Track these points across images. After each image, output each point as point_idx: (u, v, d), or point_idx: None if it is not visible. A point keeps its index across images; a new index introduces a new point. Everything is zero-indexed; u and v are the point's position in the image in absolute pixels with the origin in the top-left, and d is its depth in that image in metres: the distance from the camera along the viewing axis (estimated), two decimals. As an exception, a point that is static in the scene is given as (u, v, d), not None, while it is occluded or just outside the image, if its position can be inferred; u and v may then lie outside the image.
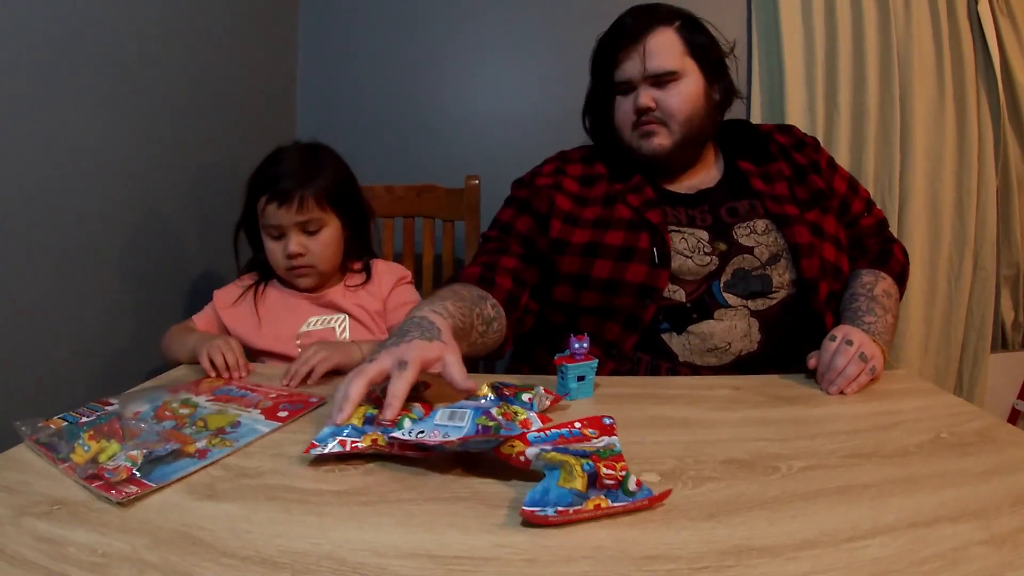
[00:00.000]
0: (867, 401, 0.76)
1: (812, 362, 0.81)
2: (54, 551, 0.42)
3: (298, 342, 1.00)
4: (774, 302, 0.91)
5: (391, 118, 1.66)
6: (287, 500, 0.50)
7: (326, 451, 0.56)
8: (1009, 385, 1.72)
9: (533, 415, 0.61)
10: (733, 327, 0.89)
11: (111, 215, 1.05)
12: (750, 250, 0.93)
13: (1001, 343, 1.73)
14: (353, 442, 0.56)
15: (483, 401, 0.63)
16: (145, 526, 0.46)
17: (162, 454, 0.56)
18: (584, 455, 0.50)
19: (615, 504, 0.47)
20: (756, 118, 1.60)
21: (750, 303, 0.90)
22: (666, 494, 0.49)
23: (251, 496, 0.51)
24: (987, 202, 1.61)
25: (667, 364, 0.89)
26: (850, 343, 0.78)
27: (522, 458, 0.51)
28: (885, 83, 1.56)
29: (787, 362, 0.87)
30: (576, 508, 0.46)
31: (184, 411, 0.68)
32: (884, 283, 0.96)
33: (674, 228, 0.95)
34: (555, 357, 0.76)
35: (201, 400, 0.73)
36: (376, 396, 0.65)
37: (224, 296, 1.05)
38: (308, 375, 0.82)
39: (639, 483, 0.50)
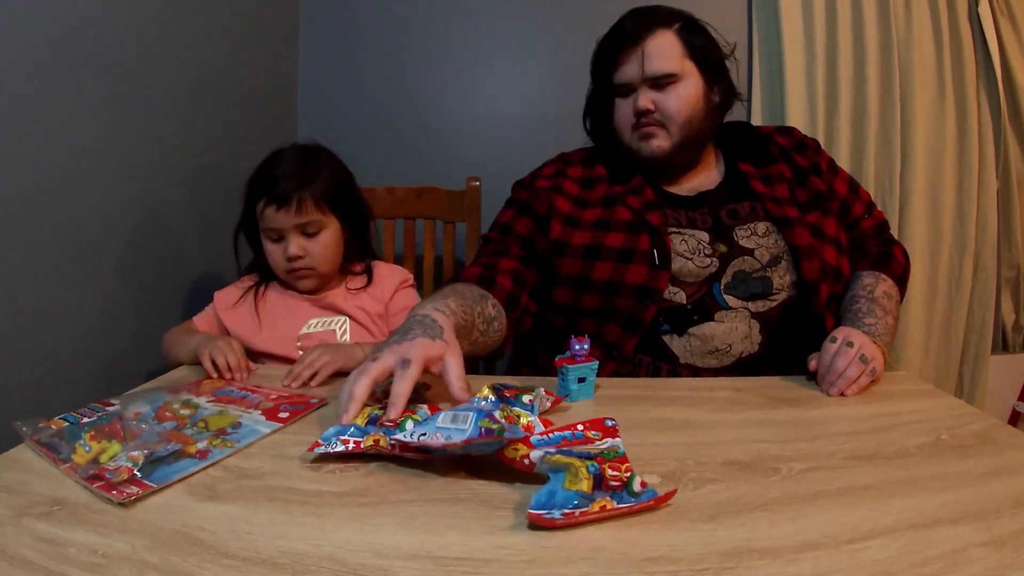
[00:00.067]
0: (867, 403, 0.76)
1: (813, 364, 0.81)
2: (54, 551, 0.42)
3: (299, 344, 1.00)
4: (775, 304, 0.91)
5: (392, 119, 1.66)
6: (288, 501, 0.50)
7: (330, 450, 0.56)
8: (1009, 387, 1.72)
9: (536, 418, 0.61)
10: (734, 329, 0.89)
11: (111, 215, 1.05)
12: (751, 252, 0.93)
13: (1002, 345, 1.73)
14: (356, 442, 0.56)
15: (484, 403, 0.63)
16: (145, 527, 0.46)
17: (163, 455, 0.56)
18: (588, 457, 0.50)
19: (620, 505, 0.47)
20: (757, 120, 1.60)
21: (751, 305, 0.90)
22: (671, 495, 0.49)
23: (252, 497, 0.51)
24: (988, 203, 1.61)
25: (668, 366, 0.89)
26: (851, 345, 0.78)
27: (526, 461, 0.51)
28: (885, 84, 1.56)
29: (788, 364, 0.87)
30: (582, 510, 0.46)
31: (185, 412, 0.68)
32: (885, 285, 0.96)
33: (674, 230, 0.95)
34: (556, 359, 0.75)
35: (202, 401, 0.73)
36: (377, 396, 0.65)
37: (224, 297, 1.05)
38: (311, 377, 0.82)
39: (643, 484, 0.50)
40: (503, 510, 0.49)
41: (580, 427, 0.60)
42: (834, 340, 0.80)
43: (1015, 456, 0.60)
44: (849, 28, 1.56)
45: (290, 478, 0.54)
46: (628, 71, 0.97)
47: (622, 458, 0.53)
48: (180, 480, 0.53)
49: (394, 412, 0.59)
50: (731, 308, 0.90)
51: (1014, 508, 0.49)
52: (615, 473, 0.49)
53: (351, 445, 0.56)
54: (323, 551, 0.43)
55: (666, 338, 0.90)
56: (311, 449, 0.57)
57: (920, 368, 1.64)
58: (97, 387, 1.01)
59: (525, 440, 0.54)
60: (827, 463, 0.58)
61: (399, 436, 0.55)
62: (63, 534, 0.45)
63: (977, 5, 1.55)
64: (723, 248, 0.93)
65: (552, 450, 0.51)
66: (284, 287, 1.06)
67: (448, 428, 0.55)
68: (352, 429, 0.58)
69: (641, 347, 0.90)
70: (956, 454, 0.60)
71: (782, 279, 0.92)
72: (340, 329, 1.03)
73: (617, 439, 0.58)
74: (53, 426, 0.62)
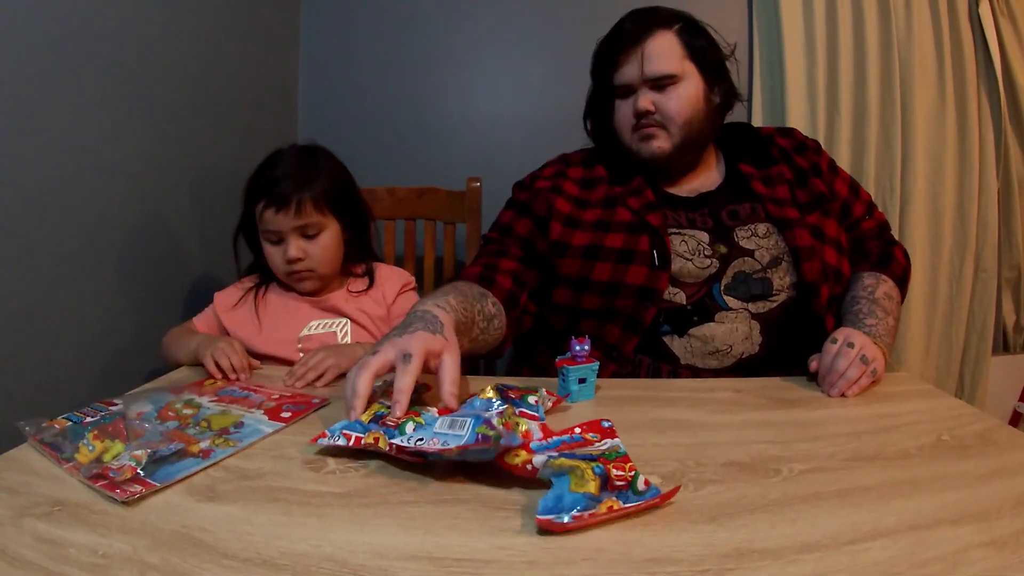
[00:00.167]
0: (868, 403, 0.76)
1: (813, 365, 0.81)
2: (55, 552, 0.42)
3: (299, 346, 1.00)
4: (775, 305, 0.91)
5: (393, 120, 1.66)
6: (288, 502, 0.50)
7: (332, 442, 0.57)
8: (1010, 387, 1.72)
9: (535, 425, 0.60)
10: (734, 330, 0.89)
11: (111, 216, 1.05)
12: (751, 253, 0.93)
13: (1002, 345, 1.73)
14: (357, 437, 0.57)
15: (488, 404, 0.63)
16: (146, 527, 0.46)
17: (166, 454, 0.56)
18: (592, 459, 0.50)
19: (627, 505, 0.47)
20: (757, 121, 1.60)
21: (751, 306, 0.90)
22: (674, 491, 0.49)
23: (252, 498, 0.51)
24: (988, 204, 1.61)
25: (668, 366, 0.89)
26: (851, 345, 0.78)
27: (528, 467, 0.51)
28: (886, 85, 1.56)
29: (788, 365, 0.87)
30: (591, 512, 0.45)
31: (188, 412, 0.68)
32: (885, 286, 0.95)
33: (674, 231, 0.95)
34: (556, 359, 0.75)
35: (204, 401, 0.73)
36: (377, 396, 0.65)
37: (225, 298, 1.05)
38: (316, 379, 0.82)
39: (647, 483, 0.50)
40: (504, 511, 0.49)
41: (578, 430, 0.60)
42: (835, 341, 0.80)
43: (1016, 457, 0.60)
44: (850, 29, 1.56)
45: (290, 479, 0.54)
46: (628, 72, 0.97)
47: (624, 458, 0.53)
48: (183, 479, 0.53)
49: (399, 410, 0.59)
50: (731, 309, 0.90)
51: (1015, 509, 0.49)
52: (620, 473, 0.49)
53: (352, 440, 0.57)
54: (323, 552, 0.43)
55: (666, 339, 0.90)
56: (315, 440, 0.58)
57: (921, 369, 1.64)
58: (97, 387, 1.01)
59: (525, 446, 0.53)
60: (828, 464, 0.58)
61: (397, 439, 0.55)
62: (64, 535, 0.45)
63: (978, 6, 1.55)
64: (723, 249, 0.93)
65: (555, 454, 0.51)
66: (285, 288, 1.06)
67: (445, 433, 0.55)
68: (357, 425, 0.58)
69: (641, 348, 0.90)
70: (957, 455, 0.60)
71: (782, 280, 0.92)
72: (341, 331, 1.03)
73: (616, 439, 0.58)
74: (56, 425, 0.62)
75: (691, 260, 0.92)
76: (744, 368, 0.89)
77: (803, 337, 0.90)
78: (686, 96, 0.96)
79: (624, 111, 1.00)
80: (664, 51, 0.96)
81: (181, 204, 1.24)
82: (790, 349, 0.88)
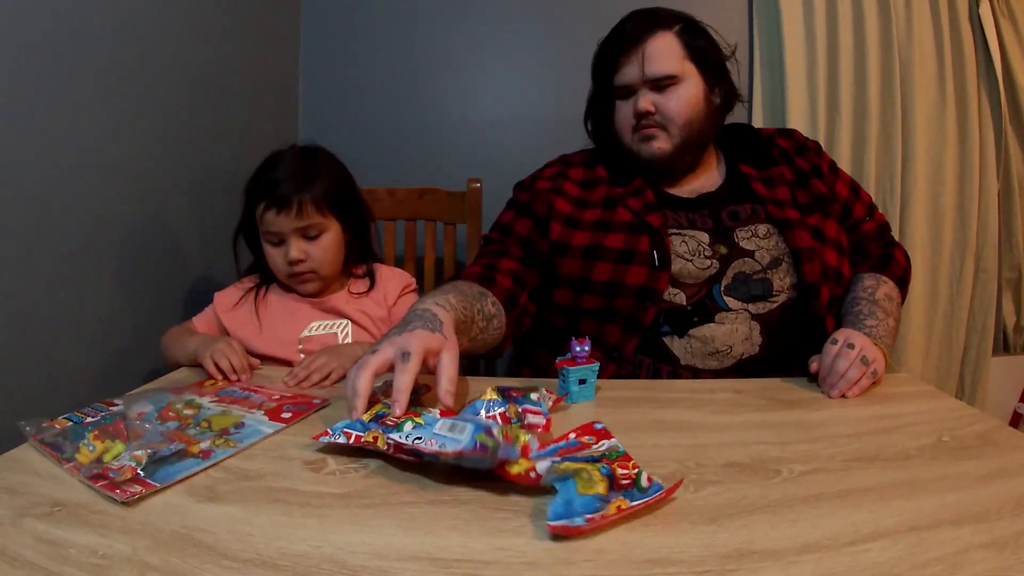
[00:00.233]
0: (868, 404, 0.76)
1: (814, 366, 0.81)
2: (55, 552, 0.42)
3: (300, 347, 1.00)
4: (775, 306, 0.91)
5: (393, 120, 1.66)
6: (288, 502, 0.50)
7: (333, 440, 0.58)
8: (1011, 388, 1.72)
9: (533, 439, 0.60)
10: (734, 331, 0.89)
11: (111, 216, 1.05)
12: (751, 254, 0.93)
13: (1003, 346, 1.73)
14: (357, 435, 0.57)
15: (494, 405, 0.63)
16: (146, 528, 0.46)
17: (166, 454, 0.56)
18: (595, 460, 0.50)
19: (634, 503, 0.47)
20: (757, 122, 1.60)
21: (751, 307, 0.90)
22: (677, 485, 0.50)
23: (252, 498, 0.51)
24: (988, 204, 1.61)
25: (668, 367, 0.89)
26: (852, 346, 0.78)
27: (532, 474, 0.50)
28: (886, 86, 1.56)
29: (788, 366, 0.87)
30: (602, 513, 0.45)
31: (188, 412, 0.68)
32: (886, 287, 0.95)
33: (674, 231, 0.95)
34: (556, 360, 0.75)
35: (205, 401, 0.73)
36: (377, 396, 0.65)
37: (225, 298, 1.05)
38: (320, 381, 0.82)
39: (650, 479, 0.50)
40: (504, 512, 0.49)
41: (572, 435, 0.60)
42: (835, 342, 0.80)
43: (1016, 458, 0.60)
44: (850, 29, 1.56)
45: (290, 479, 0.54)
46: (628, 73, 0.97)
47: (625, 456, 0.53)
48: (183, 480, 0.53)
49: (398, 409, 0.59)
50: (731, 310, 0.90)
51: (1015, 510, 0.49)
52: (624, 471, 0.49)
53: (352, 438, 0.57)
54: (323, 552, 0.43)
55: (666, 339, 0.90)
56: (316, 437, 0.58)
57: (921, 370, 1.64)
58: (97, 387, 1.01)
59: (524, 455, 0.53)
60: (828, 465, 0.58)
61: (395, 436, 0.55)
62: (64, 535, 0.45)
63: (978, 6, 1.55)
64: (723, 250, 0.93)
65: (557, 459, 0.51)
66: (285, 289, 1.06)
67: (444, 436, 0.54)
68: (358, 424, 0.59)
69: (641, 348, 0.90)
70: (957, 456, 0.60)
71: (782, 281, 0.92)
72: (342, 332, 1.03)
73: (613, 440, 0.58)
74: (57, 426, 0.62)
75: (691, 261, 0.92)
76: (744, 369, 0.89)
77: (803, 338, 0.90)
78: (686, 97, 0.96)
79: (624, 112, 1.00)
80: (664, 52, 0.96)
81: (181, 204, 1.24)
82: (790, 350, 0.88)
